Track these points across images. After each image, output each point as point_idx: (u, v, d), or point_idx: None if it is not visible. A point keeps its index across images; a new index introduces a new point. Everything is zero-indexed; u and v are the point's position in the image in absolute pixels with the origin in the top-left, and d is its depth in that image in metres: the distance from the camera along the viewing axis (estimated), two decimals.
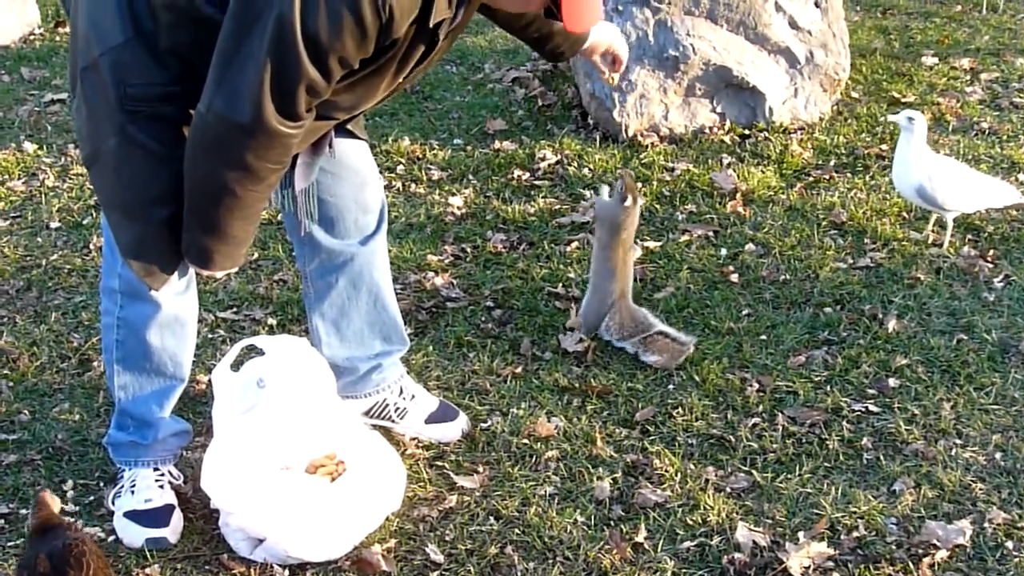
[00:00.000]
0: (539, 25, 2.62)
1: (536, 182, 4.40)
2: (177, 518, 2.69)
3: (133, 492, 2.70)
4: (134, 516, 2.66)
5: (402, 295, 3.59)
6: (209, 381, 2.92)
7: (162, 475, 2.74)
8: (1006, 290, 3.59)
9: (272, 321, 3.55)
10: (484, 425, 3.06)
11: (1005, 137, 4.65)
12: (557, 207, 4.21)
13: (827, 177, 4.36)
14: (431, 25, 2.17)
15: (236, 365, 2.69)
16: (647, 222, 4.07)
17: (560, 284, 3.71)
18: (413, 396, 3.02)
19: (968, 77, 5.24)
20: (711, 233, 3.99)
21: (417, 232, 4.07)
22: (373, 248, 2.81)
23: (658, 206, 4.18)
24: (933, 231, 3.89)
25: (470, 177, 4.46)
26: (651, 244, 3.90)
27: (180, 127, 2.28)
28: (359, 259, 2.80)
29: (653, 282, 3.72)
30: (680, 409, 3.09)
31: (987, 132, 4.70)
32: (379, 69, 2.22)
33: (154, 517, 2.66)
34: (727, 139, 4.69)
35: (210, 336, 3.47)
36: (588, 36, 2.72)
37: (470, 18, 2.41)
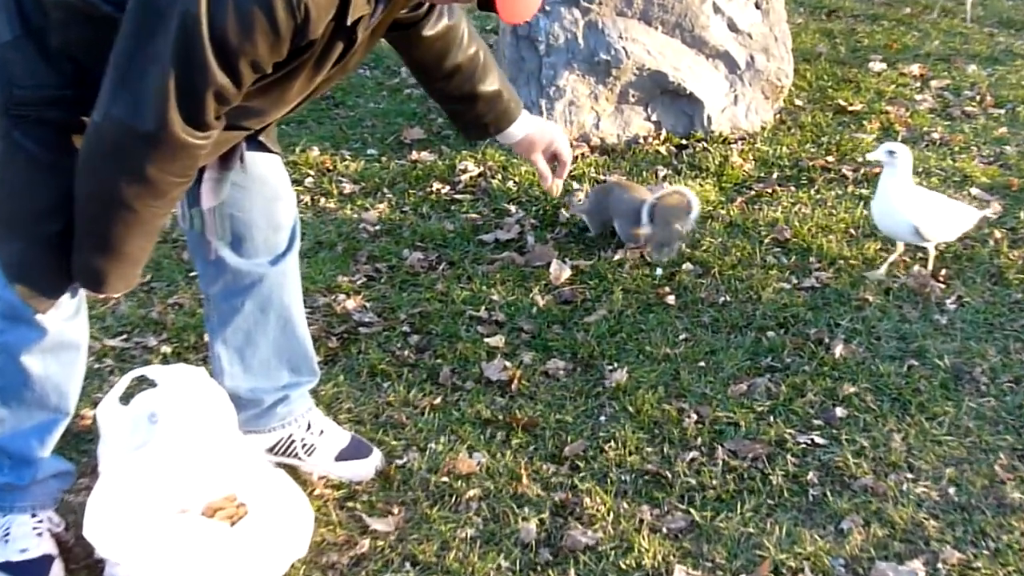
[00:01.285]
0: (463, 79, 2.60)
1: (457, 196, 4.40)
2: (57, 570, 2.63)
3: (7, 541, 2.63)
4: (8, 568, 2.59)
5: (311, 319, 3.55)
6: (95, 416, 2.86)
7: (40, 522, 2.68)
8: (959, 312, 3.64)
9: (166, 349, 3.51)
10: (400, 462, 3.04)
11: (957, 148, 4.74)
12: (480, 223, 4.21)
13: (769, 191, 4.41)
14: (349, 23, 2.15)
15: (125, 398, 2.64)
16: (575, 240, 4.08)
17: (483, 307, 3.70)
18: (322, 431, 2.99)
19: (918, 84, 5.34)
20: (646, 250, 4.02)
21: (327, 251, 4.05)
22: (283, 269, 2.79)
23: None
24: (902, 258, 3.94)
25: (385, 191, 4.44)
26: (581, 263, 3.92)
27: (71, 134, 2.24)
28: (268, 281, 2.77)
29: (583, 305, 3.74)
30: (612, 443, 3.09)
31: (938, 143, 4.79)
32: (293, 71, 2.20)
33: (31, 569, 2.59)
34: (663, 149, 4.73)
35: (96, 366, 3.42)
36: (517, 112, 2.71)
37: (392, 17, 2.39)
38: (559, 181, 2.83)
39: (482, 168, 4.55)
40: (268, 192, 2.68)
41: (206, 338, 2.97)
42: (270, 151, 2.65)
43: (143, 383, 2.73)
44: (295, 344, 2.89)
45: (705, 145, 4.77)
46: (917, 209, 3.70)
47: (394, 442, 3.12)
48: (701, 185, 4.43)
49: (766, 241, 4.06)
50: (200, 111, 2.08)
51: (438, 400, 3.28)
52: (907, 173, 3.71)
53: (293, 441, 2.97)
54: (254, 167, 2.63)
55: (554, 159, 2.82)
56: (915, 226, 3.71)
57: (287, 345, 2.88)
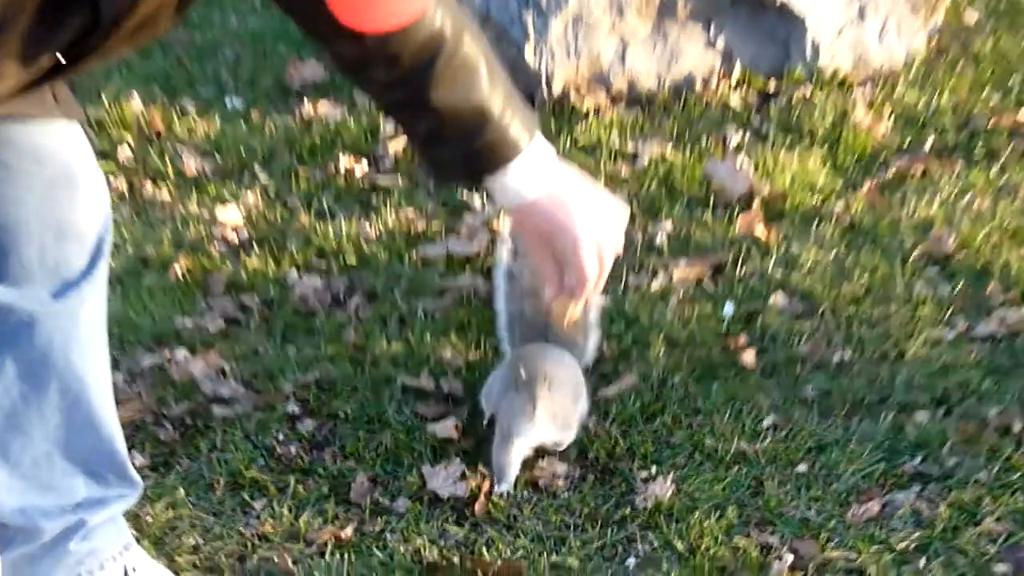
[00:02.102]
0: (404, 75, 2.53)
1: (380, 180, 4.45)
2: None
3: None
4: None
5: (127, 393, 3.61)
6: None
7: None
8: None
9: None
10: None
11: None
12: (421, 227, 4.26)
13: (919, 171, 4.47)
14: None
15: None
16: None
17: (424, 371, 3.75)
18: None
19: None
20: (707, 274, 4.07)
21: (156, 274, 4.09)
22: (73, 307, 2.79)
23: None
24: None
25: (257, 170, 4.50)
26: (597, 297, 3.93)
27: None
28: (46, 326, 2.76)
29: (600, 367, 3.77)
30: None
31: None
32: None
33: None
34: (735, 100, 4.82)
35: None
36: (515, 148, 2.52)
37: None
38: (573, 305, 2.76)
39: None
40: (49, 175, 2.67)
41: None
42: (41, 118, 2.65)
43: None
44: (95, 434, 2.90)
45: (808, 92, 4.83)
46: None
47: None
48: (802, 161, 4.48)
49: (913, 256, 4.11)
50: None
51: (348, 531, 3.29)
52: None
53: None
54: (25, 139, 2.63)
55: (570, 267, 2.68)
56: None
57: (80, 436, 2.88)
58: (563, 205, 2.57)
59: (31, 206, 2.69)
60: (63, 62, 2.30)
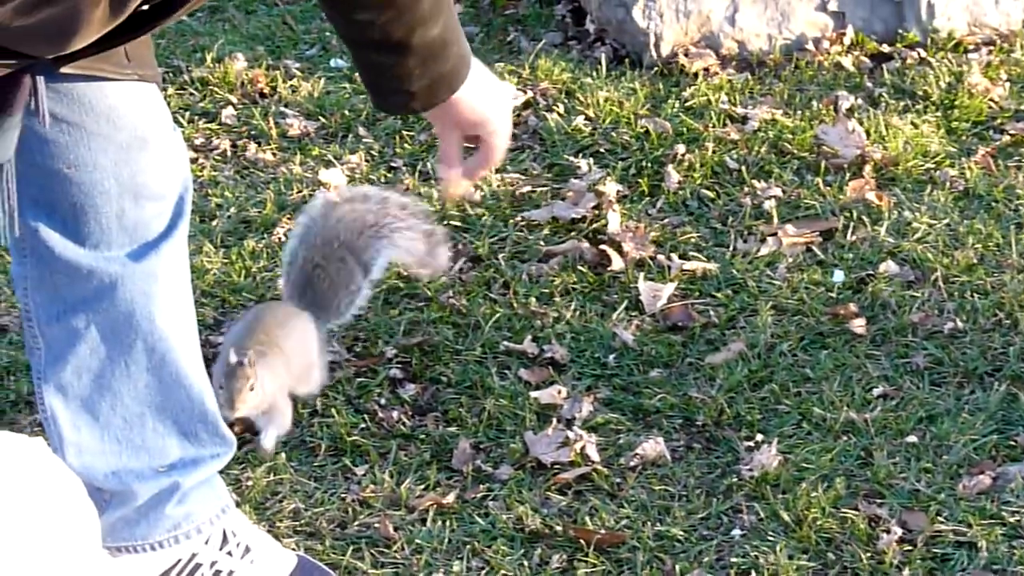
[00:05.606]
0: (396, 14, 2.54)
1: None
2: None
3: None
4: None
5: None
6: None
7: None
8: None
9: None
10: None
11: None
12: (526, 189, 4.26)
13: None
14: None
15: None
16: (692, 220, 4.11)
17: (529, 336, 3.75)
18: (248, 549, 3.01)
19: None
20: (816, 240, 4.04)
21: (258, 236, 4.10)
22: (151, 268, 2.79)
23: (717, 189, 4.21)
24: None
25: (360, 132, 4.50)
26: (699, 264, 3.95)
27: None
28: (128, 287, 2.76)
29: (705, 334, 3.77)
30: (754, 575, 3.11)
31: None
32: None
33: None
34: (848, 62, 4.77)
35: None
36: (461, 77, 2.57)
37: None
38: (466, 182, 2.78)
39: (532, 92, 4.57)
40: (123, 138, 2.66)
41: None
42: (123, 78, 2.65)
43: None
44: (184, 393, 2.91)
45: (922, 54, 4.79)
46: None
47: (374, 571, 3.14)
48: (915, 125, 4.44)
49: None
50: None
51: (450, 497, 3.29)
52: None
53: (199, 566, 2.99)
54: (101, 101, 2.63)
55: (476, 142, 2.72)
56: None
57: (170, 396, 2.89)
58: (484, 97, 2.64)
59: (107, 169, 2.70)
60: (145, 8, 2.30)
